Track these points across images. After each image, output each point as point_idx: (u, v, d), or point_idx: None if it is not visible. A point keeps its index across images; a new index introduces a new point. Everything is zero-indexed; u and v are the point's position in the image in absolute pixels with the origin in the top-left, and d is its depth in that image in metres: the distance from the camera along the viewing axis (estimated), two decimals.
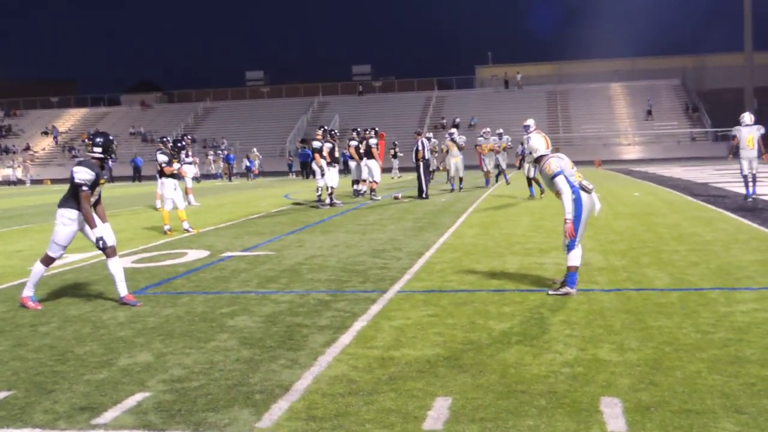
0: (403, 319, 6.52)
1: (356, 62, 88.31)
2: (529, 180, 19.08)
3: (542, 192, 18.42)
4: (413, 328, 6.17)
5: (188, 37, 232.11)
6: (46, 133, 71.60)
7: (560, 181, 7.32)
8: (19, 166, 59.59)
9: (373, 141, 21.16)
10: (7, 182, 57.05)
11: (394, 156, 39.51)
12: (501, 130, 24.70)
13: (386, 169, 27.17)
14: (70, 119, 75.34)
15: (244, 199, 24.47)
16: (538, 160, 7.62)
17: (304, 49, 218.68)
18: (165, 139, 15.70)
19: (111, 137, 7.78)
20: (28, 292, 7.64)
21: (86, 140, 7.73)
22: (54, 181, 55.59)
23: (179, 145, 15.00)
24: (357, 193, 21.68)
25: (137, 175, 51.41)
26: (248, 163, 51.20)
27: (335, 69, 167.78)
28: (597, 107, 63.88)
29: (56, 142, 69.49)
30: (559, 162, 7.36)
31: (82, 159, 7.64)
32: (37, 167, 62.83)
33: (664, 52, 77.53)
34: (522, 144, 21.96)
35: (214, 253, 11.02)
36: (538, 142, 7.65)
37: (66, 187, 7.63)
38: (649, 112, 61.33)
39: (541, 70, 74.75)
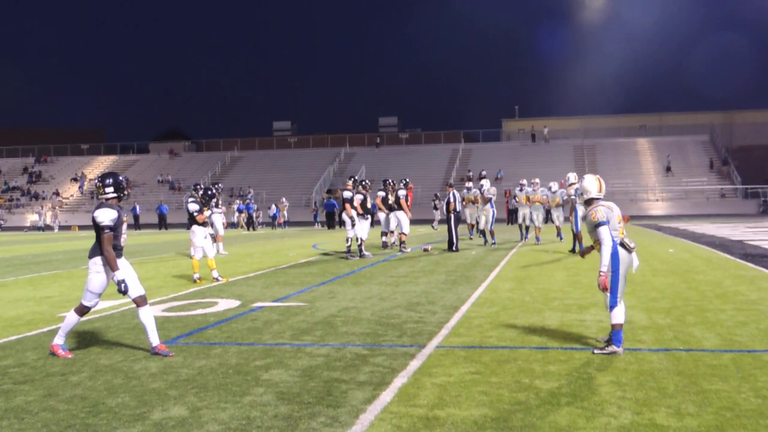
0: (444, 376, 6.28)
1: (383, 114, 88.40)
2: (575, 235, 18.56)
3: (578, 251, 18.07)
4: (456, 386, 5.92)
5: (216, 86, 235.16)
6: (75, 180, 72.36)
7: (603, 231, 7.13)
8: (47, 212, 60.11)
9: (402, 192, 20.94)
10: (35, 228, 57.40)
11: (435, 208, 39.90)
12: (553, 183, 22.60)
13: (414, 221, 26.39)
14: (99, 166, 76.12)
15: (272, 248, 24.35)
16: (588, 203, 7.41)
17: (331, 100, 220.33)
18: (198, 187, 15.65)
19: (120, 176, 7.69)
20: (59, 340, 7.49)
21: (96, 184, 7.63)
22: (81, 227, 55.97)
23: (209, 193, 14.92)
24: (385, 245, 21.44)
25: (163, 223, 51.64)
26: (274, 212, 51.24)
27: (362, 120, 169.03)
28: (624, 162, 63.58)
29: (81, 192, 69.92)
30: (607, 212, 7.17)
31: (99, 203, 7.53)
32: (66, 213, 63.36)
33: (692, 108, 77.31)
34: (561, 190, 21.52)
35: (245, 303, 10.84)
36: (591, 184, 7.44)
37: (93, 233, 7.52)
38: (669, 168, 60.99)
39: (567, 125, 74.64)
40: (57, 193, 68.87)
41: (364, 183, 19.05)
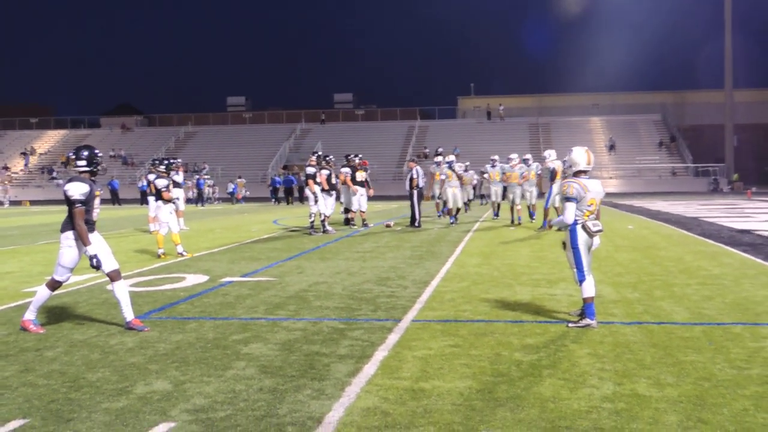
0: (424, 349, 6.32)
1: (338, 90, 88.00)
2: (544, 211, 18.57)
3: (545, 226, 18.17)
4: (437, 359, 5.97)
5: (169, 61, 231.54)
6: (24, 154, 70.87)
7: (569, 207, 7.28)
8: None
9: (345, 170, 20.46)
10: None
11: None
12: (528, 156, 21.29)
13: (372, 198, 25.28)
14: (49, 141, 74.67)
15: (233, 224, 24.17)
16: (576, 174, 7.45)
17: (286, 76, 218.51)
18: (157, 161, 15.41)
19: (96, 150, 7.54)
20: (30, 315, 7.37)
21: (69, 156, 7.48)
22: (33, 203, 54.97)
23: (169, 163, 14.71)
24: (347, 221, 21.34)
25: (115, 198, 50.80)
26: (232, 188, 51.21)
27: (317, 97, 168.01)
28: (578, 140, 63.91)
29: (27, 168, 68.23)
30: (579, 191, 7.22)
31: (72, 176, 7.40)
32: (16, 188, 62.00)
33: (645, 87, 78.30)
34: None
35: (213, 278, 10.77)
36: (579, 156, 7.44)
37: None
38: (612, 147, 61.86)
39: (522, 103, 75.17)
40: (6, 168, 67.39)
41: (328, 159, 18.91)
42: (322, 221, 18.37)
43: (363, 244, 15.66)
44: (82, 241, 7.10)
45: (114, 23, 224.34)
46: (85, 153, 7.37)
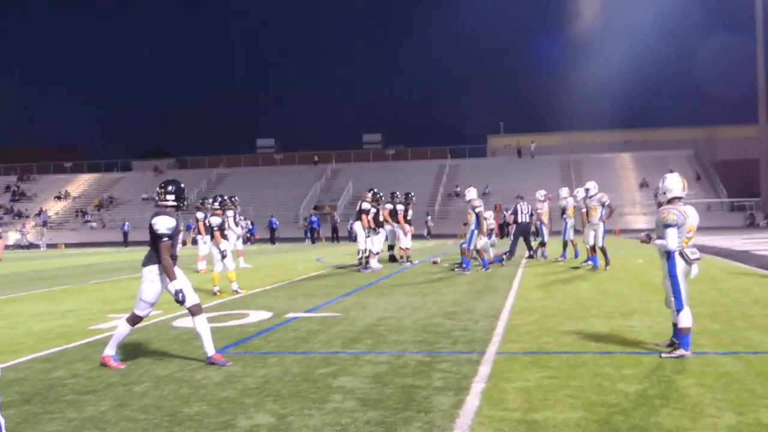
0: (521, 380, 6.15)
1: (367, 131, 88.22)
2: (593, 248, 16.93)
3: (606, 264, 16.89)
4: (540, 391, 5.80)
5: (199, 103, 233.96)
6: (59, 198, 71.68)
7: (670, 233, 7.04)
8: (29, 231, 59.39)
9: (400, 207, 20.38)
10: (19, 246, 56.58)
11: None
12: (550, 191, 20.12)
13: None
14: (82, 184, 75.57)
15: (276, 263, 24.16)
16: (671, 201, 7.27)
17: (315, 117, 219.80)
18: (211, 200, 15.32)
19: (182, 184, 7.53)
20: (110, 351, 7.29)
21: (157, 190, 7.44)
22: (68, 245, 55.41)
23: (220, 200, 14.56)
24: (392, 258, 21.22)
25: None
26: (252, 228, 52.30)
27: (346, 137, 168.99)
28: (610, 177, 63.83)
29: (46, 225, 66.79)
30: (679, 217, 7.06)
31: (158, 211, 7.36)
32: (50, 232, 62.62)
33: (675, 123, 77.89)
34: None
35: (277, 314, 10.66)
36: (674, 183, 7.29)
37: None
38: (643, 185, 61.40)
39: (552, 140, 75.05)
40: (40, 213, 67.97)
41: (379, 196, 18.77)
42: (367, 258, 18.22)
43: (416, 279, 15.52)
44: (167, 275, 7.05)
45: (143, 66, 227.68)
46: (174, 188, 7.33)
